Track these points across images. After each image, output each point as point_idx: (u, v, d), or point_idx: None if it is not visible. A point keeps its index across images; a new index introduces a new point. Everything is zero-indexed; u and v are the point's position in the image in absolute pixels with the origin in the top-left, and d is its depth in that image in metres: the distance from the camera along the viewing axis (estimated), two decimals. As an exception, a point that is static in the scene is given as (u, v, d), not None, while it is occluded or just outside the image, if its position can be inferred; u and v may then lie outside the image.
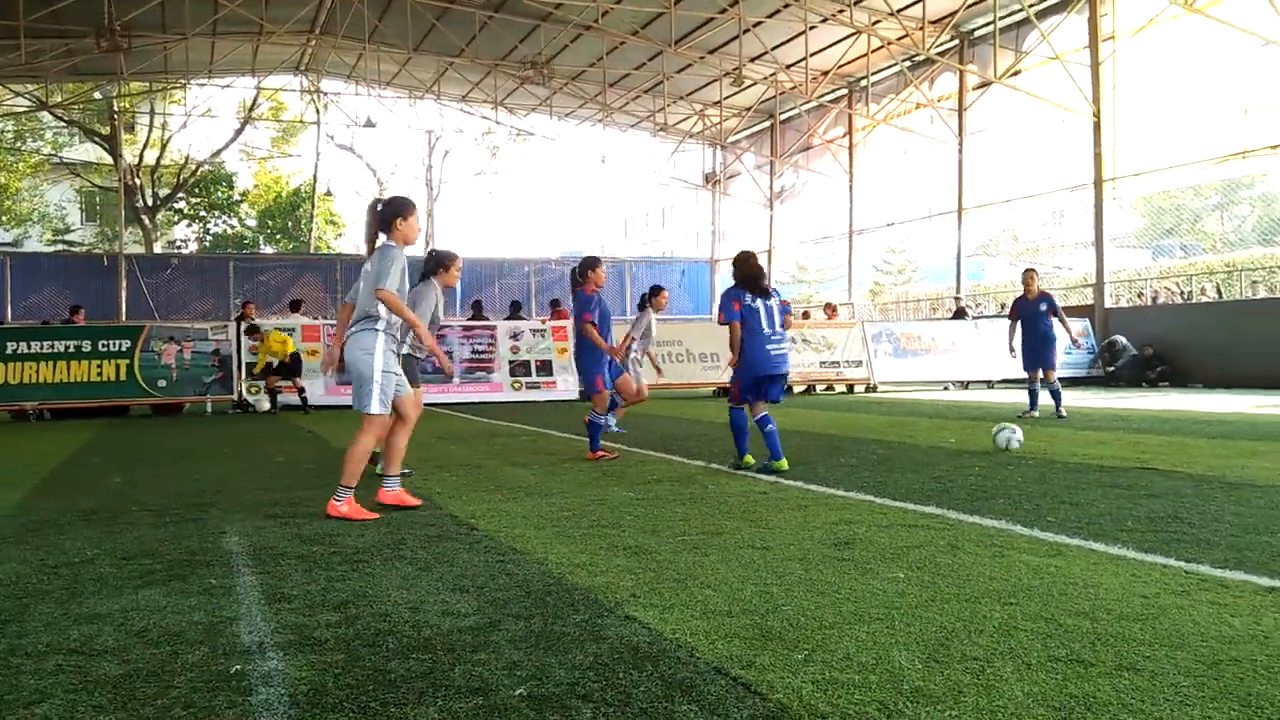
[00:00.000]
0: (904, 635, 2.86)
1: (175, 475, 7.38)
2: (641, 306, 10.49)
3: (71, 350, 14.09)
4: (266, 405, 15.06)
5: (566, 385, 16.55)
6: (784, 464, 6.63)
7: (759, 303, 6.71)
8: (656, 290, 10.29)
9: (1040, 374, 11.05)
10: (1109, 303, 20.02)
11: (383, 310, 5.13)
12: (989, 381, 18.96)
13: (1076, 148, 19.70)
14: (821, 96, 26.03)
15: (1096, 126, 19.06)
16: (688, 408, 14.78)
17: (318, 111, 34.54)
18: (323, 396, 15.35)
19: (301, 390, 14.77)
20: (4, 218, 38.64)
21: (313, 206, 40.12)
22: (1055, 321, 11.09)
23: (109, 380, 14.27)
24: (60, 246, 38.21)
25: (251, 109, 35.81)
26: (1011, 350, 11.34)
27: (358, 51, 26.32)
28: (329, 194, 40.91)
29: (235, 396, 15.27)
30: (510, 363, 16.58)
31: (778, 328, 6.76)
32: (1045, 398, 11.09)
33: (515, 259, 32.52)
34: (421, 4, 22.54)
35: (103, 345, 14.29)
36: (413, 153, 47.57)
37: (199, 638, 3.02)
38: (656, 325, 10.53)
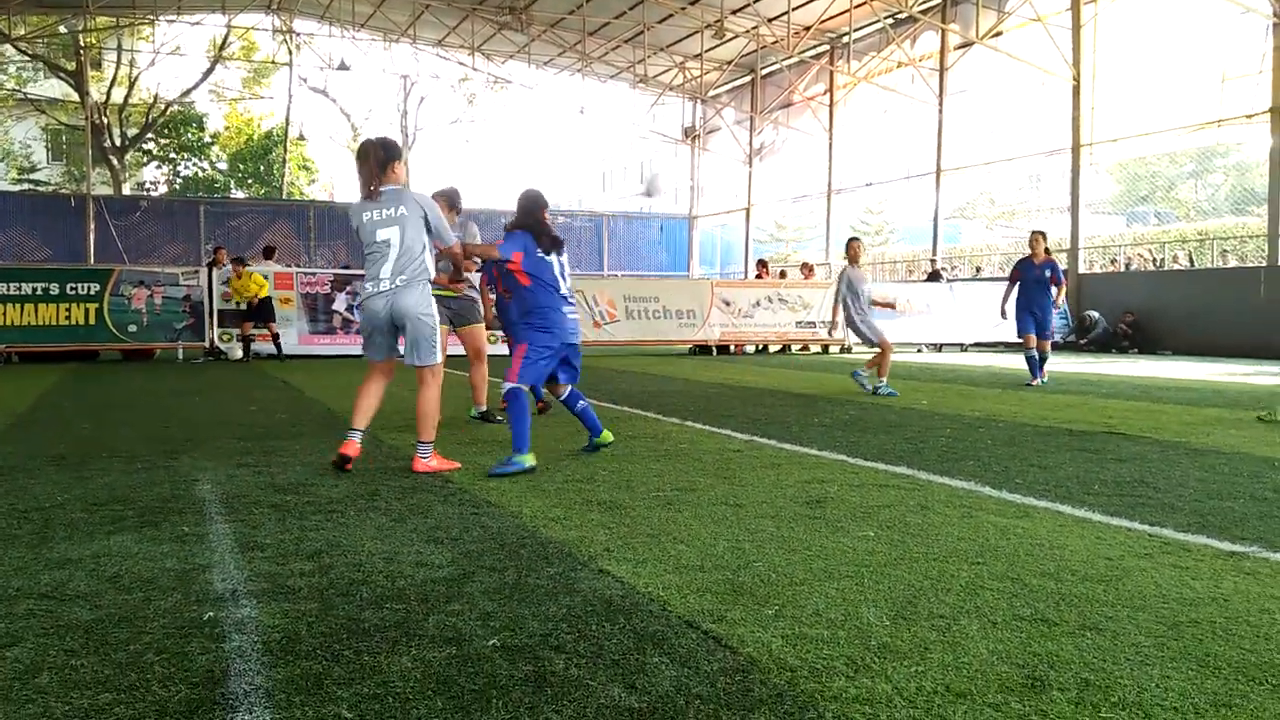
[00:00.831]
0: (873, 593, 2.91)
1: (146, 421, 7.32)
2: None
3: (40, 293, 13.85)
4: (239, 354, 14.92)
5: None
6: (608, 435, 5.71)
7: (552, 257, 5.38)
8: (851, 241, 10.22)
9: (1034, 339, 10.63)
10: (1083, 268, 20.19)
11: (429, 261, 5.06)
12: (962, 345, 19.12)
13: (1055, 112, 19.72)
14: (803, 52, 25.82)
15: (1076, 90, 19.07)
16: (664, 365, 14.82)
17: (290, 52, 33.85)
18: (296, 345, 15.23)
19: (276, 337, 14.65)
20: (-34, 155, 37.74)
21: (285, 150, 39.44)
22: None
23: (78, 324, 14.07)
24: (26, 186, 37.38)
25: (222, 48, 34.96)
26: (1004, 313, 11.00)
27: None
28: (302, 138, 40.19)
29: (207, 344, 15.11)
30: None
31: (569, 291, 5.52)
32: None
33: (492, 209, 32.22)
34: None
35: (71, 289, 14.06)
36: (388, 98, 46.79)
37: (171, 584, 3.02)
38: (856, 276, 9.89)
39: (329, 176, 47.33)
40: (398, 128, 39.47)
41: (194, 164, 40.81)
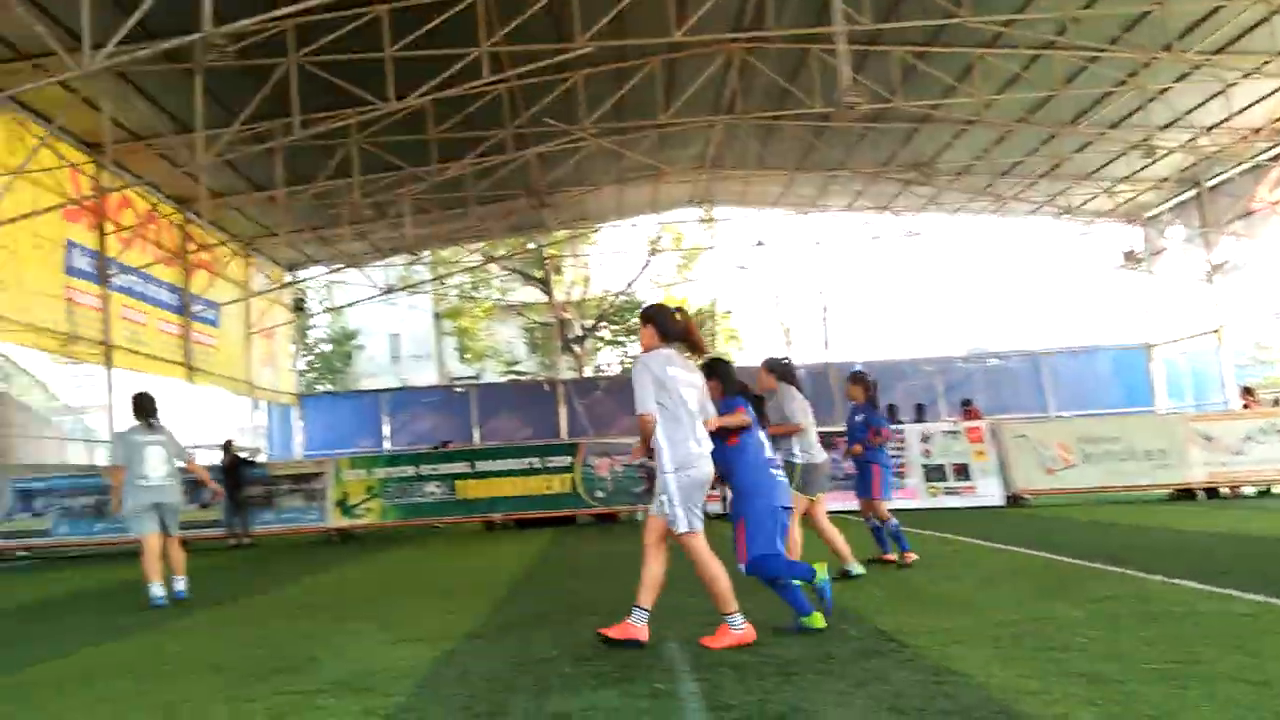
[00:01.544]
0: None
1: (616, 582, 7.95)
2: None
3: (526, 467, 16.06)
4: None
5: (989, 489, 15.63)
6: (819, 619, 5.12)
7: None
8: None
9: None
10: None
11: None
12: None
13: None
14: (1256, 156, 22.88)
15: None
16: (1136, 513, 13.19)
17: (712, 238, 37.02)
18: (734, 505, 15.91)
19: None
20: (467, 354, 45.50)
21: (714, 324, 42.60)
22: None
23: (557, 492, 16.05)
24: (511, 376, 44.00)
25: (655, 243, 39.25)
26: None
27: (745, 179, 27.96)
28: (728, 312, 43.23)
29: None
30: (924, 467, 16.02)
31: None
32: None
33: (915, 359, 31.78)
34: (800, 128, 23.46)
35: (549, 462, 16.16)
36: (803, 264, 48.83)
37: (654, 740, 3.21)
38: None
39: (753, 344, 50.01)
40: (813, 291, 40.97)
41: (639, 345, 45.50)
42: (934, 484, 15.84)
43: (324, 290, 37.43)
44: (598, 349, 44.96)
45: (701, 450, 4.94)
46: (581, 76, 19.61)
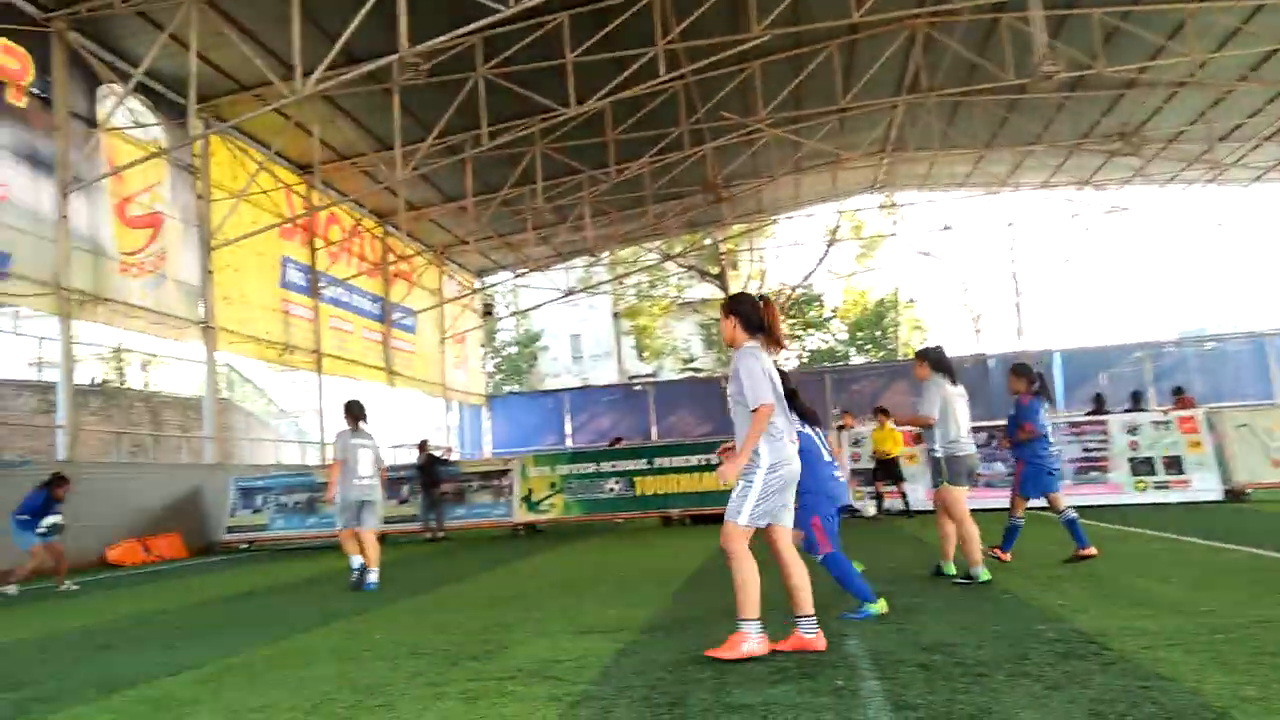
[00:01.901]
0: None
1: (795, 577, 7.89)
2: None
3: (703, 464, 16.13)
4: (872, 510, 15.52)
5: (1205, 483, 14.41)
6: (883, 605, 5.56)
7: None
8: None
9: None
10: None
11: None
12: None
13: None
14: None
15: None
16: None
17: (895, 224, 35.91)
18: (924, 501, 15.37)
19: (904, 495, 15.00)
20: (645, 353, 46.23)
21: (897, 314, 41.33)
22: None
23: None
24: (688, 374, 44.34)
25: (834, 232, 38.46)
26: None
27: (929, 160, 26.93)
28: (911, 301, 41.86)
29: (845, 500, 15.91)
30: (1130, 460, 14.93)
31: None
32: None
33: (1121, 345, 29.71)
34: (991, 102, 22.37)
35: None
36: (994, 247, 46.54)
37: (834, 737, 3.15)
38: None
39: (940, 333, 48.22)
40: (1006, 275, 39.01)
41: (818, 338, 44.76)
42: (1141, 478, 14.73)
43: (510, 294, 38.95)
44: (775, 343, 44.55)
45: (795, 449, 4.75)
46: (758, 67, 19.50)
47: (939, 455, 6.95)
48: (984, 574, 6.67)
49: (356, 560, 9.01)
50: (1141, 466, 14.80)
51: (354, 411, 9.27)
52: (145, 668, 5.25)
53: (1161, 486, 14.60)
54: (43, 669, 5.45)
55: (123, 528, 14.90)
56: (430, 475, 16.73)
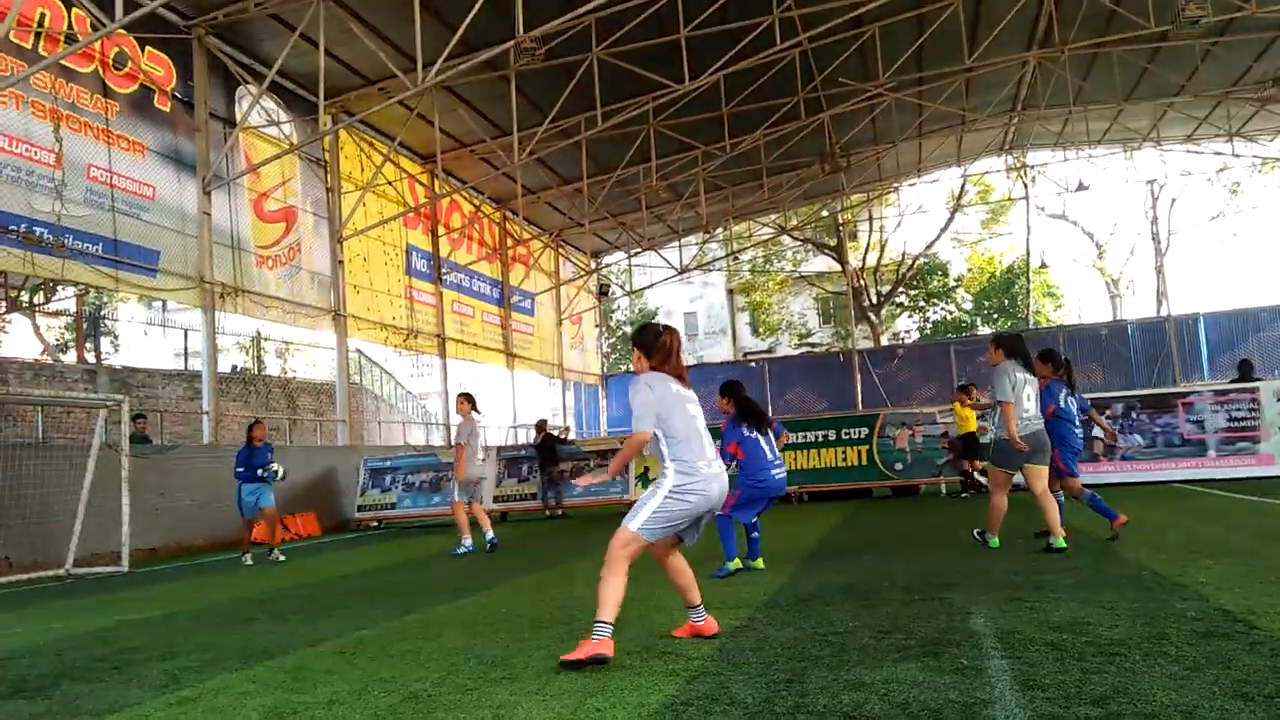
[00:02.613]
0: None
1: (918, 554, 7.72)
2: None
3: (821, 439, 15.93)
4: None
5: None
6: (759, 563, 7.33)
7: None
8: None
9: None
10: None
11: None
12: None
13: None
14: None
15: None
16: None
17: (1025, 186, 34.39)
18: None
19: (968, 472, 14.65)
20: (760, 328, 45.83)
21: (1027, 281, 39.66)
22: None
23: (853, 465, 15.77)
24: (804, 349, 43.77)
25: (959, 197, 37.14)
26: None
27: (1063, 117, 25.66)
28: (1044, 266, 40.05)
29: (962, 477, 15.47)
30: (1283, 429, 13.97)
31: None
32: None
33: (1273, 307, 27.79)
34: (1129, 51, 21.12)
35: (845, 434, 15.89)
36: (1133, 208, 44.13)
37: (956, 716, 3.07)
38: None
39: (1074, 300, 46.12)
40: (1147, 236, 36.93)
41: (941, 308, 43.41)
42: None
43: (625, 274, 39.20)
44: (895, 316, 43.48)
45: (714, 476, 4.60)
46: (877, 29, 18.94)
47: (992, 436, 7.74)
48: (995, 541, 7.74)
49: (467, 541, 10.63)
50: (1297, 435, 13.84)
51: (472, 400, 10.75)
52: (284, 639, 5.55)
53: (1318, 457, 13.64)
54: (193, 639, 5.82)
55: (264, 507, 15.76)
56: (549, 454, 17.05)
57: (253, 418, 13.87)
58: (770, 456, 7.27)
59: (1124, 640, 3.99)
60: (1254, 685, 3.18)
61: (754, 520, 7.40)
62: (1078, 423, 8.18)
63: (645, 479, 16.60)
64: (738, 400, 7.54)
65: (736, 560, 7.19)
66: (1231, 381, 16.01)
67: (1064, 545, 7.11)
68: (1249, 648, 3.72)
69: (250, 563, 11.25)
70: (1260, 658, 3.55)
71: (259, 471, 11.53)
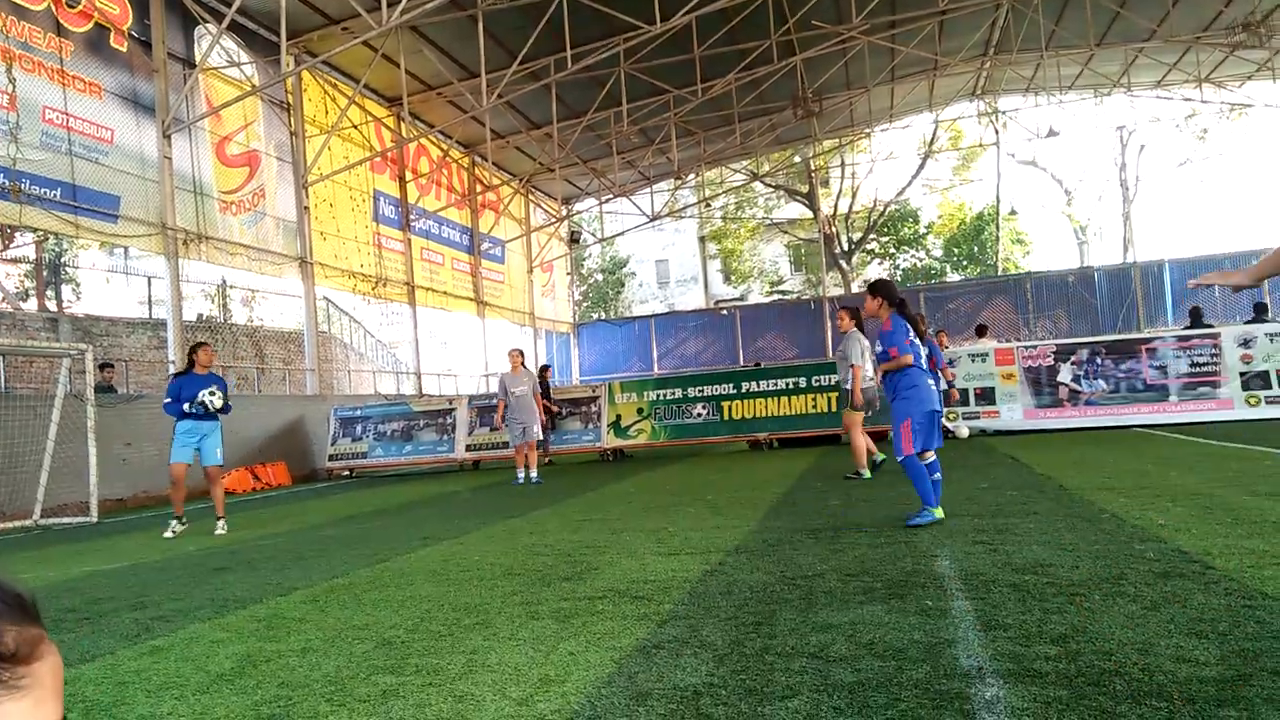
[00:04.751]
0: None
1: (885, 498, 7.84)
2: None
3: (790, 387, 16.04)
4: (965, 431, 15.25)
5: (1319, 397, 13.71)
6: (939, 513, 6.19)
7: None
8: None
9: None
10: None
11: None
12: None
13: None
14: None
15: None
16: None
17: (996, 132, 34.40)
18: (1021, 421, 15.03)
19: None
20: (732, 276, 45.84)
21: (996, 228, 39.87)
22: None
23: (822, 411, 15.91)
24: (776, 296, 43.88)
25: (931, 143, 37.10)
26: None
27: (1034, 62, 25.60)
28: (1013, 213, 40.26)
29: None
30: (1242, 375, 14.25)
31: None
32: None
33: (1237, 253, 28.12)
34: (1101, -5, 21.06)
35: (815, 381, 16.00)
36: (1102, 154, 44.29)
37: (920, 656, 3.14)
38: None
39: (1042, 247, 46.46)
40: (1115, 184, 37.19)
41: (911, 255, 43.61)
42: (1254, 393, 14.06)
43: (596, 221, 38.95)
44: (866, 263, 43.63)
45: None
46: (850, -31, 18.73)
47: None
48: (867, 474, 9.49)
49: (521, 473, 12.40)
50: (1255, 380, 14.13)
51: (514, 356, 12.70)
52: (256, 588, 5.56)
53: (1276, 401, 13.94)
54: (163, 590, 5.81)
55: (232, 457, 15.66)
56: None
57: (220, 367, 13.69)
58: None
59: (1084, 581, 4.08)
60: (1208, 623, 3.27)
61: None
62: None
63: (617, 426, 16.67)
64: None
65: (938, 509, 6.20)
66: (1184, 328, 16.26)
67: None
68: (1204, 587, 3.82)
69: (173, 535, 8.81)
70: (1215, 596, 3.65)
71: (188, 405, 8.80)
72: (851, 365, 9.60)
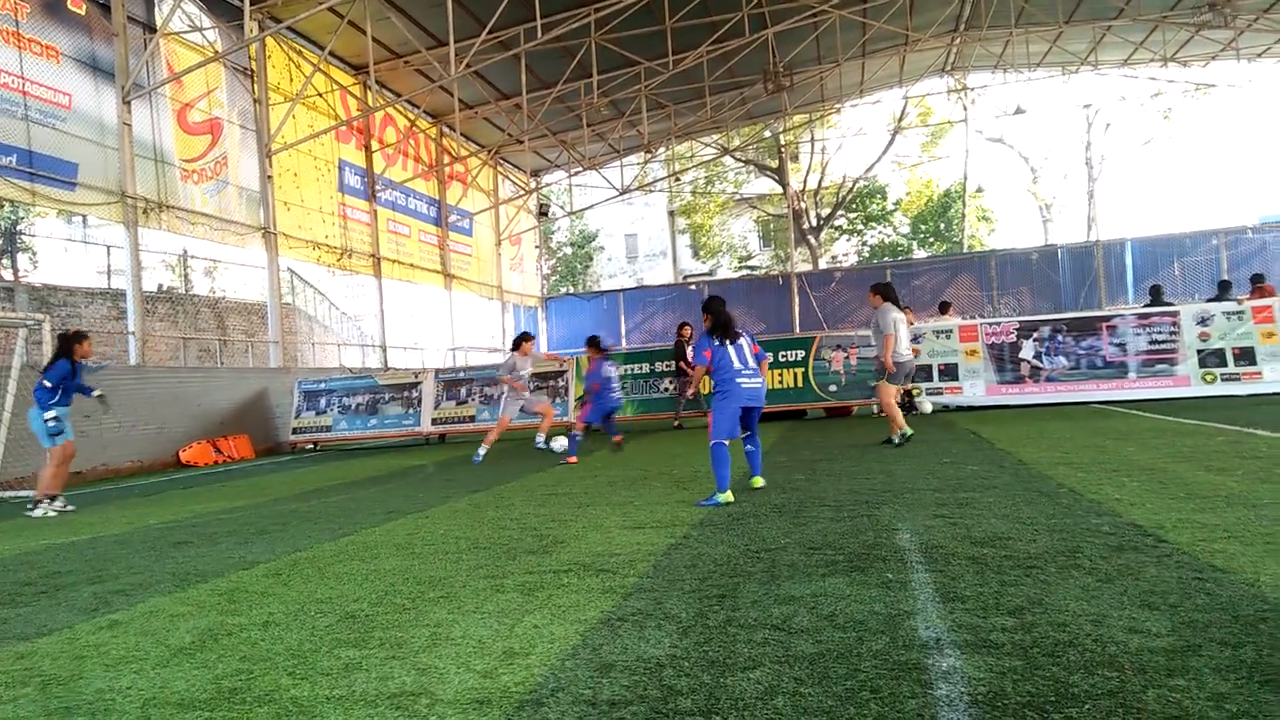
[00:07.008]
0: None
1: (848, 473, 7.91)
2: None
3: (758, 361, 16.11)
4: (929, 407, 15.42)
5: (1277, 375, 13.99)
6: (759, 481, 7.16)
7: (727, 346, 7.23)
8: None
9: None
10: None
11: None
12: None
13: None
14: None
15: None
16: None
17: (965, 109, 34.56)
18: (983, 397, 15.22)
19: (907, 391, 15.01)
20: (701, 251, 45.84)
21: (963, 205, 40.15)
22: None
23: (789, 387, 16.01)
24: (744, 271, 43.96)
25: (900, 119, 37.20)
26: None
27: (1004, 39, 25.71)
28: (980, 190, 40.58)
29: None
30: (1199, 352, 14.52)
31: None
32: None
33: (1198, 232, 28.57)
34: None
35: (783, 356, 16.08)
36: (1069, 132, 44.68)
37: (880, 627, 3.19)
38: None
39: (1008, 225, 46.88)
40: (1080, 161, 37.56)
41: (879, 232, 43.84)
42: (1210, 370, 14.34)
43: (565, 194, 38.72)
44: (833, 239, 43.82)
45: None
46: (822, -57, 18.63)
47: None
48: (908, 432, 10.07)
49: (540, 438, 12.83)
50: (1211, 358, 14.40)
51: (519, 341, 12.78)
52: (217, 562, 5.51)
53: (1231, 379, 14.22)
54: (122, 563, 5.75)
55: (194, 430, 15.50)
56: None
57: (181, 338, 13.51)
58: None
59: (1040, 554, 4.16)
60: (1160, 595, 3.35)
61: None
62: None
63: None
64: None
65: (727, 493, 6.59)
66: (1144, 306, 16.50)
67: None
68: (1157, 560, 3.91)
69: (43, 513, 9.03)
70: (1167, 569, 3.73)
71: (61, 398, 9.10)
72: (885, 334, 10.15)
